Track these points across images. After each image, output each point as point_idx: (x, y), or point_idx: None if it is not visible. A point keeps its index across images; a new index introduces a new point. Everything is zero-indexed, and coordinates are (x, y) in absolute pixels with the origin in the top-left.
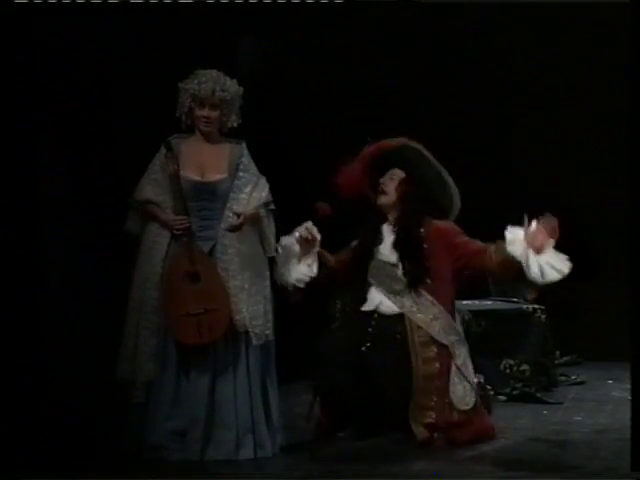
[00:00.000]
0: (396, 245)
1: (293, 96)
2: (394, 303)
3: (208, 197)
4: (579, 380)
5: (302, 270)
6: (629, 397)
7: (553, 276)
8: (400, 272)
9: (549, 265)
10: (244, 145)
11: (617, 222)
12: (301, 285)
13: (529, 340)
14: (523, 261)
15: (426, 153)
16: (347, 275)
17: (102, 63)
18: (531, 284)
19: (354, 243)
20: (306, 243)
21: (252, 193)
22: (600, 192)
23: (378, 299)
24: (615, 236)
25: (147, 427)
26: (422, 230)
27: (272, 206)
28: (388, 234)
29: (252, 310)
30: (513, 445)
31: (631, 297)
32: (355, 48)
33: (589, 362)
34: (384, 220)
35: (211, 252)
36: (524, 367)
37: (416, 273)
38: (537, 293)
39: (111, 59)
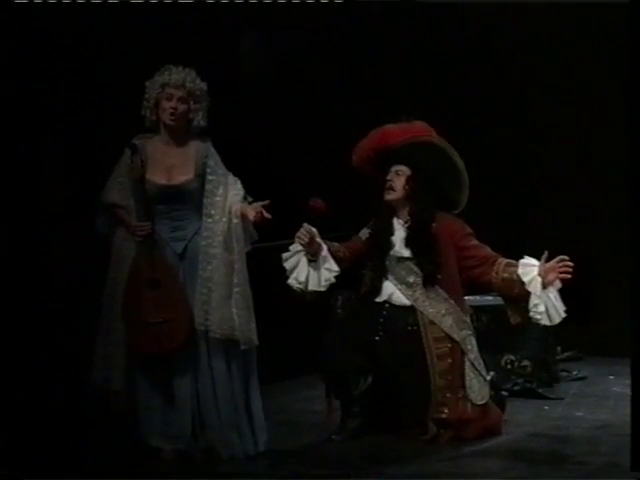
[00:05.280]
0: (408, 241)
1: (292, 95)
2: (406, 296)
3: (176, 199)
4: (580, 376)
5: (325, 275)
6: (630, 393)
7: (544, 317)
8: (413, 266)
9: (549, 305)
10: (210, 144)
11: (617, 217)
12: (326, 288)
13: (530, 336)
14: (531, 288)
15: (436, 142)
16: (359, 265)
17: (103, 63)
18: (520, 311)
19: (365, 234)
20: (309, 244)
21: (227, 193)
22: (600, 188)
23: (390, 290)
24: (615, 231)
25: (143, 433)
26: (433, 225)
27: (249, 198)
28: (398, 228)
29: (239, 318)
30: (514, 440)
31: (632, 292)
32: (355, 48)
33: (590, 358)
34: (393, 213)
35: (183, 253)
36: (525, 363)
37: (429, 268)
38: (521, 322)
39: (112, 59)
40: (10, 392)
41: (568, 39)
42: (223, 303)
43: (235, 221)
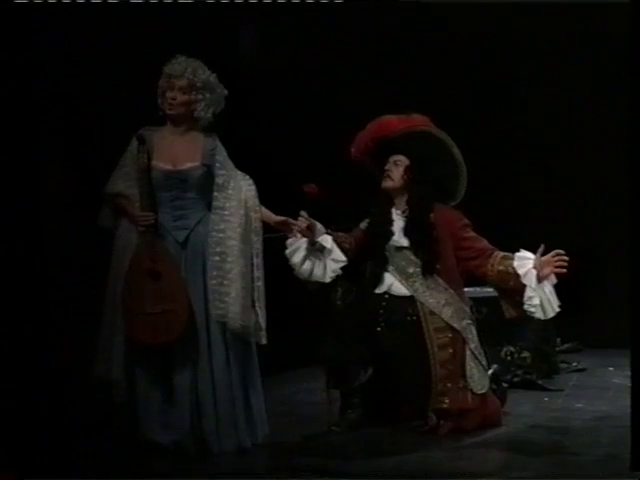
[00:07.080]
0: (407, 231)
1: (292, 95)
2: (406, 287)
3: (180, 186)
4: (580, 367)
5: (331, 266)
6: (630, 384)
7: (538, 311)
8: (412, 256)
9: (543, 299)
10: (216, 138)
11: (617, 210)
12: (331, 279)
13: (530, 327)
14: (526, 281)
15: (435, 133)
16: (362, 256)
17: (102, 63)
18: (515, 304)
19: (364, 225)
20: (308, 232)
21: (240, 187)
22: (600, 184)
23: (390, 281)
24: (615, 223)
25: (141, 423)
26: (431, 216)
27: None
28: (397, 218)
29: (260, 311)
30: (514, 432)
31: (631, 284)
32: (355, 48)
33: (590, 349)
34: (391, 203)
35: (185, 243)
36: (525, 354)
37: (428, 258)
38: (515, 315)
39: (111, 59)
40: (9, 391)
41: (568, 39)
42: (244, 295)
43: (254, 215)
